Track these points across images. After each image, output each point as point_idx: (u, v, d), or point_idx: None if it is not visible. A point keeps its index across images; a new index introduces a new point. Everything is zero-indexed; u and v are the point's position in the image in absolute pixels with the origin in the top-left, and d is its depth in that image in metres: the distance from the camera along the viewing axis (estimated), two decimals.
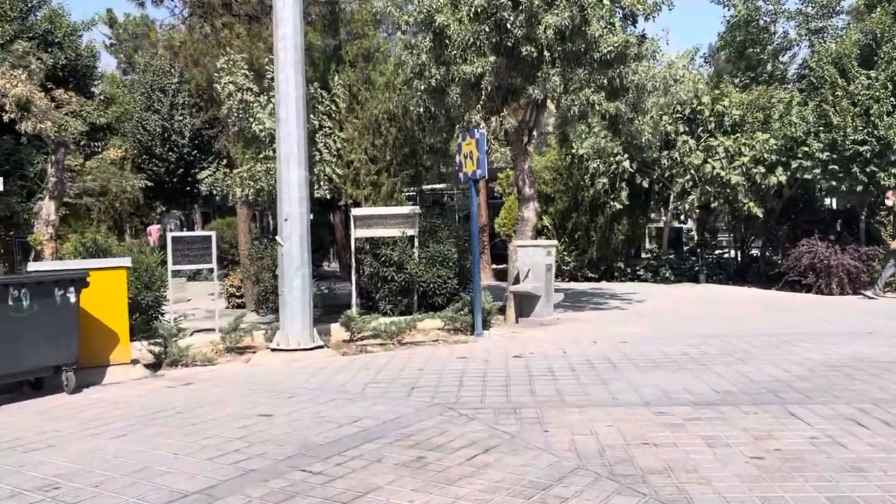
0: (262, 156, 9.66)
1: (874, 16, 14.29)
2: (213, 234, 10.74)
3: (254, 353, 9.70)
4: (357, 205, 12.37)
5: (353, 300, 11.85)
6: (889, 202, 14.30)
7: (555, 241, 11.46)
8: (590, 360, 8.11)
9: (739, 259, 18.94)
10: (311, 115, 9.80)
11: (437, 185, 25.77)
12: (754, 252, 19.26)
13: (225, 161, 11.73)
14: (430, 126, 11.31)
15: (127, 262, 8.36)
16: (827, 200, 18.03)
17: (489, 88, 10.36)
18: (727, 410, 5.73)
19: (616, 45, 9.88)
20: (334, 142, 9.82)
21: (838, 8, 16.05)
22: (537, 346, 9.17)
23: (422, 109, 10.59)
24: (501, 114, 10.53)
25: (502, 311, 11.96)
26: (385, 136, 12.02)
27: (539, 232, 15.29)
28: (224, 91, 9.47)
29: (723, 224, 20.71)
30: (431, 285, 11.63)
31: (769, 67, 17.67)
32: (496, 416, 5.78)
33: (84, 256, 10.06)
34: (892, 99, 14.00)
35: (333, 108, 9.94)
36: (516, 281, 11.52)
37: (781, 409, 5.72)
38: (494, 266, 20.95)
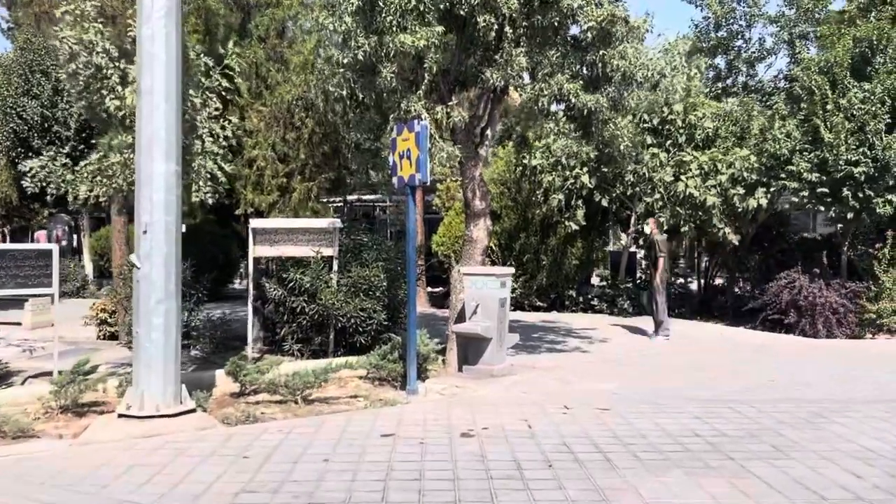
0: (116, 142, 6.96)
1: (869, 21, 12.58)
2: (54, 247, 7.91)
3: (100, 413, 6.99)
4: (260, 215, 9.76)
5: (251, 337, 9.17)
6: (647, 229, 12.81)
7: (511, 269, 9.13)
8: (569, 446, 5.71)
9: (703, 291, 17.02)
10: (192, 92, 7.16)
11: (369, 196, 23.22)
12: (718, 283, 17.41)
13: (67, 149, 8.93)
14: (356, 116, 8.80)
15: None
16: (814, 227, 16.37)
17: (434, 69, 7.93)
18: None
19: (600, 19, 7.63)
20: (223, 128, 7.20)
21: (825, 12, 14.36)
22: (492, 416, 6.73)
23: (345, 93, 8.07)
24: (448, 103, 8.11)
25: (442, 351, 9.51)
26: (299, 130, 9.48)
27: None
28: (63, 48, 6.75)
29: (680, 250, 18.85)
30: (353, 320, 9.09)
31: (742, 78, 15.91)
32: None
33: None
34: (887, 116, 12.26)
35: (227, 84, 7.35)
36: (461, 318, 9.08)
37: None
38: (430, 289, 18.49)
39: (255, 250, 9.00)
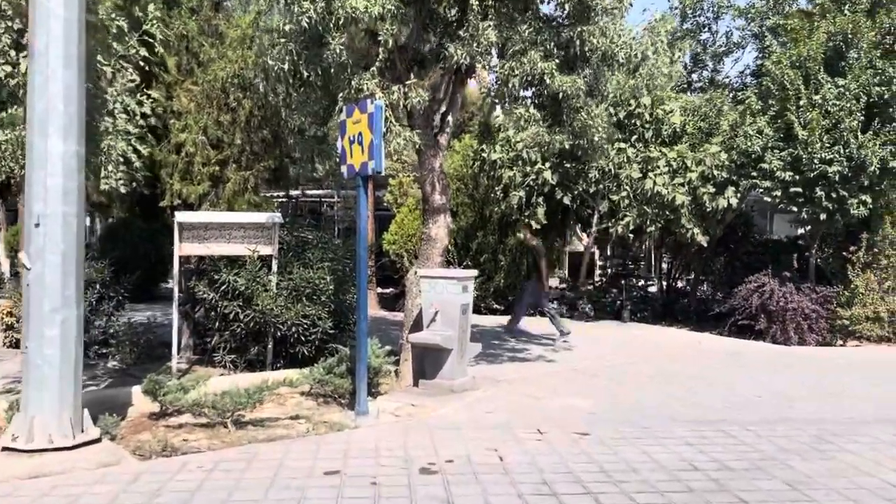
0: (5, 116, 5.75)
1: (843, 13, 12.03)
2: None
3: None
4: (189, 207, 8.59)
5: (175, 347, 8.00)
6: (521, 235, 12.80)
7: (473, 272, 8.18)
8: (551, 486, 4.78)
9: (666, 294, 16.39)
10: (102, 59, 5.98)
11: (316, 191, 22.00)
12: (680, 285, 16.83)
13: None
14: (299, 97, 7.71)
15: None
16: (777, 229, 15.88)
17: (390, 43, 6.93)
18: None
19: None
20: (141, 104, 6.05)
21: (794, 5, 13.81)
22: (455, 443, 5.76)
23: (286, 67, 6.98)
24: (406, 82, 7.10)
25: (396, 362, 8.51)
26: (235, 112, 8.34)
27: None
28: None
29: (640, 251, 18.23)
30: (295, 329, 8.00)
31: (707, 73, 15.31)
32: None
33: None
34: (861, 113, 11.74)
35: (147, 54, 6.20)
36: (417, 325, 8.10)
37: None
38: (381, 290, 17.43)
39: (182, 248, 7.82)
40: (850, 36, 12.00)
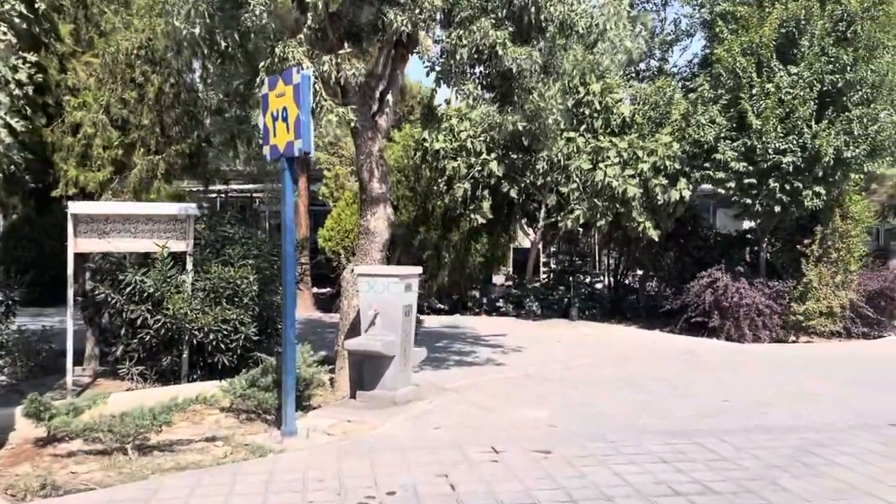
0: None
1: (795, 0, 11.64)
2: None
3: None
4: (89, 197, 7.48)
5: (70, 360, 6.89)
6: None
7: (418, 269, 7.32)
8: None
9: (614, 290, 15.87)
10: None
11: (247, 186, 20.76)
12: (628, 282, 16.35)
13: None
14: (216, 69, 6.71)
15: None
16: (720, 223, 15.52)
17: (320, 7, 6.02)
18: None
19: None
20: (15, 69, 4.98)
21: None
22: (399, 469, 4.92)
23: (197, 31, 5.99)
24: (339, 52, 6.20)
25: (332, 369, 7.62)
26: (142, 88, 7.28)
27: None
28: None
29: (587, 247, 17.72)
30: (213, 335, 7.00)
31: (654, 62, 14.84)
32: None
33: None
34: (815, 102, 11.38)
35: (25, 11, 5.14)
36: (354, 330, 7.22)
37: None
38: (316, 290, 16.42)
39: (77, 244, 6.72)
40: (802, 22, 11.62)
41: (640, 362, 9.67)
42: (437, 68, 6.77)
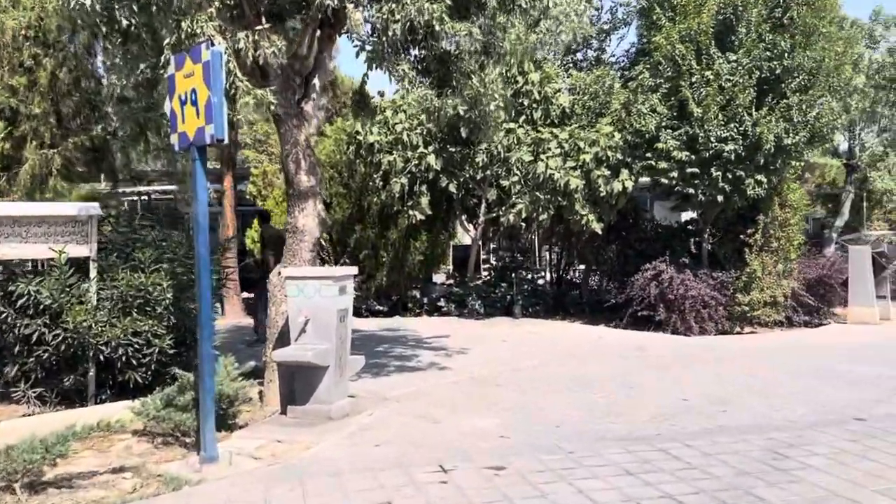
0: None
1: None
2: None
3: None
4: None
5: None
6: None
7: (353, 269, 6.69)
8: None
9: (557, 286, 15.53)
10: None
11: (172, 187, 19.56)
12: (570, 277, 16.04)
13: None
14: (117, 50, 5.93)
15: None
16: (658, 216, 15.33)
17: None
18: None
19: None
20: None
21: None
22: (336, 498, 4.31)
23: (89, 4, 5.22)
24: (257, 28, 5.53)
25: (261, 383, 6.92)
26: (33, 73, 6.41)
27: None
28: None
29: (528, 242, 17.34)
30: (123, 350, 6.22)
31: (592, 52, 14.55)
32: None
33: None
34: (754, 89, 11.23)
35: None
36: (283, 339, 6.55)
37: None
38: (246, 295, 15.51)
39: None
40: (739, 9, 11.46)
41: (589, 361, 9.28)
42: (368, 47, 6.16)
